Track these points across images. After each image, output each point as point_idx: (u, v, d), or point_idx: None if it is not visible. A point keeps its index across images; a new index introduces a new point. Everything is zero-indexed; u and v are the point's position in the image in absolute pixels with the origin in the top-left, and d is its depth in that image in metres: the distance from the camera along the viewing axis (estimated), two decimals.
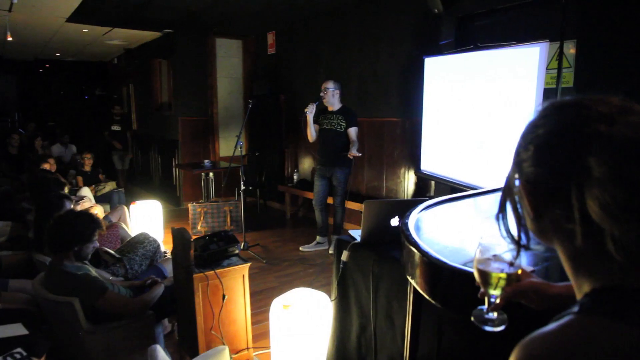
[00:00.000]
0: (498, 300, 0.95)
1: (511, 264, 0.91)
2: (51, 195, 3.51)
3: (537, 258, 1.50)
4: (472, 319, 0.97)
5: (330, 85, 4.76)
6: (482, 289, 0.95)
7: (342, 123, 4.72)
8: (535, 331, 0.62)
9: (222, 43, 7.70)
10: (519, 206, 0.73)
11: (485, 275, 0.90)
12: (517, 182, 0.71)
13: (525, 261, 1.44)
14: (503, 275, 0.92)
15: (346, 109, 4.82)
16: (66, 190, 4.68)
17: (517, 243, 0.75)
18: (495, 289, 0.92)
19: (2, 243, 3.59)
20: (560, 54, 3.15)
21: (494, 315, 0.95)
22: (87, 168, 6.82)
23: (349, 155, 4.51)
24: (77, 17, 6.08)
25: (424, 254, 1.48)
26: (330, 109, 4.79)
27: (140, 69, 9.13)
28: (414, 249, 1.53)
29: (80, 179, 6.65)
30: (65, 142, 9.04)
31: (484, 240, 0.95)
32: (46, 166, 5.71)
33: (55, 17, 6.15)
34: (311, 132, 4.77)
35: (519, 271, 0.94)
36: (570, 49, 3.37)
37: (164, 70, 8.24)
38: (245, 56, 7.93)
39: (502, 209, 0.76)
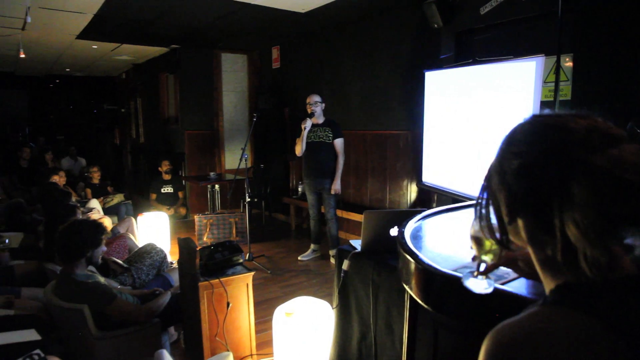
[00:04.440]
0: (488, 266, 0.97)
1: None
2: (60, 206, 3.61)
3: None
4: (462, 281, 1.00)
5: (318, 99, 4.87)
6: (475, 253, 0.97)
7: (329, 135, 4.82)
8: (503, 321, 0.68)
9: (228, 58, 7.84)
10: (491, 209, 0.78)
11: (479, 241, 0.93)
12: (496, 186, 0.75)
13: None
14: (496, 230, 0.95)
15: (331, 121, 4.92)
16: (73, 199, 4.78)
17: (499, 242, 0.78)
18: (487, 254, 0.95)
19: (14, 251, 3.67)
20: (557, 68, 3.22)
21: (482, 278, 0.98)
22: (96, 181, 6.94)
23: (331, 192, 4.82)
24: (86, 34, 6.25)
25: (418, 261, 1.55)
26: (315, 121, 4.88)
27: (147, 84, 9.30)
28: (408, 257, 1.60)
29: (89, 191, 6.78)
30: (74, 156, 9.19)
31: None
32: (56, 178, 5.82)
33: (66, 35, 6.31)
34: (302, 147, 4.85)
35: None
36: (567, 62, 3.44)
37: (171, 84, 8.38)
38: (250, 70, 8.05)
39: (483, 208, 0.79)
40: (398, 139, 5.27)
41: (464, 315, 1.45)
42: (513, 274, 1.46)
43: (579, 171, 0.64)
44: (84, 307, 2.35)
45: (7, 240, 3.50)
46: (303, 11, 5.14)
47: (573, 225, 0.64)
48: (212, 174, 6.36)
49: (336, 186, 4.82)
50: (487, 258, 0.95)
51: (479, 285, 0.99)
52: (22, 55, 6.41)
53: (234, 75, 7.96)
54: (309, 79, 6.77)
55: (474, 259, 0.98)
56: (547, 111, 0.76)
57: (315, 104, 4.83)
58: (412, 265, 1.56)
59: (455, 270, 1.44)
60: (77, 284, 2.50)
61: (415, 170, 5.01)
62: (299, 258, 5.19)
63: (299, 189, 6.76)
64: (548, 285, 0.73)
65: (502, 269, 1.47)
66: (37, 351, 1.98)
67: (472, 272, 1.00)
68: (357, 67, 5.83)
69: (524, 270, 1.02)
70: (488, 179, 0.78)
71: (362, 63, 5.72)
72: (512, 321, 0.68)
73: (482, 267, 0.98)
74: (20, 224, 4.67)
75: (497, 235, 0.78)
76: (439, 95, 4.10)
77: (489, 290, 0.98)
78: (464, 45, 4.31)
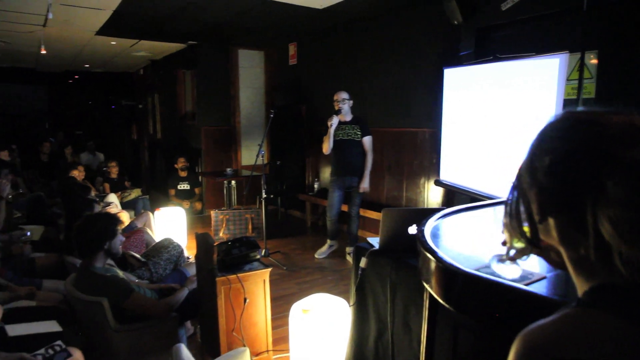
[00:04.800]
0: (517, 252, 0.96)
1: None
2: (80, 200, 3.66)
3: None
4: (489, 264, 0.97)
5: (346, 96, 4.83)
6: (506, 239, 0.96)
7: (358, 132, 4.79)
8: (534, 322, 0.67)
9: (245, 54, 7.85)
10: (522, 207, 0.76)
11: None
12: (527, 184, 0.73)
13: (539, 269, 1.47)
14: (527, 229, 0.93)
15: (359, 119, 4.89)
16: (92, 194, 4.85)
17: (529, 241, 0.77)
18: (518, 242, 0.93)
19: (35, 244, 3.73)
20: (581, 65, 3.16)
21: (509, 263, 0.96)
22: (114, 175, 7.02)
23: (359, 190, 4.81)
24: (106, 30, 6.31)
25: (438, 259, 1.53)
26: (342, 119, 4.85)
27: (165, 80, 9.37)
28: (429, 255, 1.58)
29: (107, 185, 6.86)
30: (93, 150, 9.31)
31: None
32: (75, 173, 5.91)
33: (85, 31, 6.38)
34: (330, 144, 4.82)
35: None
36: (591, 59, 3.37)
37: (188, 80, 8.43)
38: (267, 67, 8.06)
39: (512, 207, 0.77)
40: (415, 136, 5.23)
41: (486, 316, 1.42)
42: (537, 275, 1.44)
43: (614, 167, 0.62)
44: (103, 300, 2.38)
45: (28, 233, 3.56)
46: (321, 7, 5.12)
47: (607, 222, 0.62)
48: (228, 169, 6.39)
49: (365, 184, 4.81)
50: (518, 245, 0.94)
51: (507, 271, 0.96)
52: (43, 52, 6.50)
53: (250, 72, 7.97)
54: (326, 75, 6.75)
55: (503, 243, 0.97)
56: (580, 108, 0.74)
57: (343, 101, 4.79)
58: (433, 264, 1.54)
59: (477, 270, 1.42)
60: (96, 277, 2.53)
61: (432, 168, 4.97)
62: (316, 255, 5.18)
63: (315, 186, 6.77)
64: (581, 286, 0.71)
65: (526, 269, 1.45)
66: (59, 342, 2.01)
67: (500, 257, 0.97)
68: (374, 64, 5.79)
69: (555, 260, 1.00)
70: (518, 177, 0.76)
71: (380, 60, 5.69)
72: (544, 323, 0.66)
73: (512, 252, 0.96)
74: (41, 217, 4.75)
75: (527, 235, 0.77)
76: (458, 93, 4.05)
77: (516, 276, 0.95)
78: (484, 42, 4.26)
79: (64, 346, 2.01)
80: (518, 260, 0.97)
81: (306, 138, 7.20)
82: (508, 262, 0.97)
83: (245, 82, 7.92)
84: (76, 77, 12.79)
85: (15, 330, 2.25)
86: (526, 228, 0.77)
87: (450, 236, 1.94)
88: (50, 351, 1.96)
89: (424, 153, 5.14)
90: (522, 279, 1.36)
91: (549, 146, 0.71)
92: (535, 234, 0.75)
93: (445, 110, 4.22)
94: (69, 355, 2.01)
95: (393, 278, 2.29)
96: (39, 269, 3.34)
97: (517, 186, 0.77)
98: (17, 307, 2.51)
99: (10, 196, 4.45)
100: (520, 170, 0.76)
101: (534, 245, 0.77)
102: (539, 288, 1.33)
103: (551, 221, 0.71)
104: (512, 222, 0.79)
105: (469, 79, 3.94)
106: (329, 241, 5.22)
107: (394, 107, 5.51)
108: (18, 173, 6.62)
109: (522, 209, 0.77)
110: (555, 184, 0.68)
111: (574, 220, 0.66)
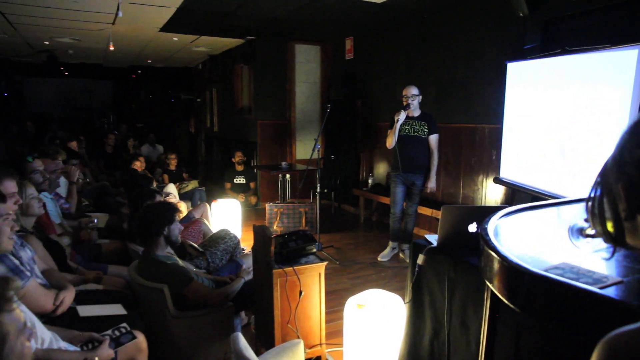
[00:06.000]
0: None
1: None
2: (143, 190, 3.81)
3: (628, 270, 1.45)
4: (569, 236, 0.93)
5: (416, 91, 4.68)
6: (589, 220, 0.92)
7: (425, 129, 4.68)
8: (617, 329, 0.63)
9: (301, 49, 7.91)
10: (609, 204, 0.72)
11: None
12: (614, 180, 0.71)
13: (615, 272, 1.39)
14: (611, 227, 0.89)
15: (427, 115, 4.76)
16: (154, 185, 5.06)
17: (614, 240, 0.74)
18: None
19: (100, 231, 3.93)
20: None
21: (588, 239, 0.91)
22: (172, 167, 7.28)
23: (427, 190, 4.73)
24: (169, 27, 6.54)
25: (504, 258, 1.47)
26: (410, 114, 4.74)
27: (222, 74, 9.59)
28: (493, 254, 1.53)
29: (166, 176, 7.12)
30: (153, 143, 9.69)
31: None
32: (137, 164, 6.17)
33: (150, 28, 6.64)
34: (394, 139, 4.71)
35: None
36: None
37: (245, 75, 8.59)
38: (323, 61, 8.09)
39: (595, 204, 0.75)
40: (474, 132, 5.09)
41: (555, 318, 1.36)
42: (613, 278, 1.36)
43: None
44: (164, 287, 2.47)
45: (95, 220, 3.75)
46: (379, 1, 5.07)
47: None
48: (283, 163, 6.46)
49: (432, 184, 4.72)
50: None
51: (586, 246, 0.91)
52: (112, 48, 6.83)
53: (306, 66, 8.03)
54: (382, 70, 6.69)
55: (586, 220, 0.92)
56: None
57: (412, 97, 4.67)
58: (498, 263, 1.48)
59: (546, 271, 1.36)
60: (158, 264, 2.63)
61: (491, 165, 4.82)
62: (379, 259, 5.01)
63: (369, 181, 6.72)
64: None
65: (600, 272, 1.38)
66: (124, 324, 2.10)
67: (581, 231, 0.92)
68: (433, 58, 5.68)
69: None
70: (603, 173, 0.73)
71: (439, 54, 5.57)
72: (629, 329, 0.62)
73: (593, 231, 0.91)
74: (106, 206, 5.00)
75: (612, 234, 0.73)
76: (522, 88, 3.90)
77: (593, 252, 0.90)
78: (551, 34, 4.07)
79: (129, 328, 2.10)
80: (598, 244, 0.91)
81: (361, 132, 7.17)
82: (589, 238, 0.91)
83: (301, 76, 7.99)
84: (139, 72, 13.34)
85: (84, 311, 2.38)
86: (610, 226, 0.73)
87: (513, 236, 1.87)
88: (117, 332, 2.06)
89: (483, 150, 4.99)
90: (595, 282, 1.29)
91: None
92: (621, 232, 0.71)
93: (508, 105, 4.07)
94: (134, 337, 2.11)
95: (451, 276, 2.24)
96: (104, 254, 3.52)
97: (602, 182, 0.73)
98: (86, 289, 2.65)
99: (80, 182, 4.72)
100: (606, 164, 0.73)
101: (620, 245, 0.73)
102: (616, 293, 1.25)
103: (638, 217, 0.67)
104: (595, 220, 0.75)
105: (534, 73, 3.78)
106: (390, 243, 5.06)
107: (453, 103, 5.39)
108: (86, 163, 6.99)
109: (606, 206, 0.73)
110: None
111: None
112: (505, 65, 4.07)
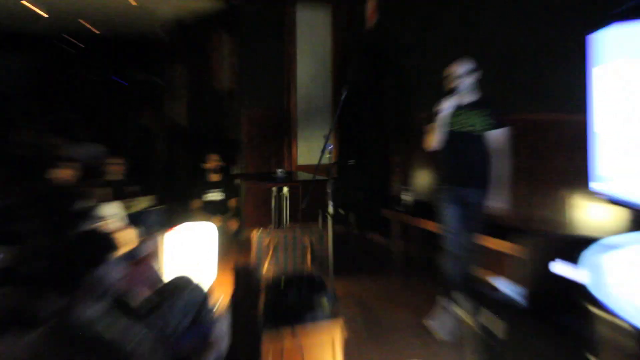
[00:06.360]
0: None
1: None
2: (65, 211, 3.74)
3: None
4: None
5: (466, 69, 4.52)
6: None
7: (484, 122, 4.47)
8: None
9: (304, 14, 7.98)
10: None
11: None
12: None
13: None
14: None
15: (486, 102, 4.57)
16: (87, 203, 4.98)
17: None
18: None
19: None
20: None
21: None
22: (116, 177, 7.19)
23: (488, 210, 4.52)
24: None
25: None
26: (459, 101, 4.59)
27: (194, 47, 9.66)
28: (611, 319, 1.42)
29: (106, 190, 7.04)
30: (88, 141, 9.64)
31: None
32: (62, 172, 6.08)
33: None
34: (438, 137, 4.61)
35: None
36: None
37: (226, 48, 8.63)
38: (335, 31, 8.15)
39: None
40: (549, 126, 5.05)
41: None
42: None
43: None
44: None
45: None
46: None
47: None
48: (279, 171, 6.41)
49: (501, 202, 4.49)
50: None
51: None
52: None
53: (312, 38, 8.11)
54: (420, 41, 6.73)
55: None
56: None
57: (460, 77, 4.51)
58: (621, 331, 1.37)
59: None
60: (79, 332, 2.51)
61: (578, 173, 4.70)
62: (428, 322, 4.68)
63: (406, 197, 6.57)
64: None
65: None
66: None
67: None
68: (490, 26, 5.70)
69: None
70: None
71: (501, 20, 5.58)
72: None
73: None
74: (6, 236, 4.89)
75: None
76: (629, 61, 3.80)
77: None
78: None
79: None
80: None
81: (391, 128, 7.13)
82: None
83: (305, 51, 8.06)
84: (72, 40, 13.38)
85: None
86: None
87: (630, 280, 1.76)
88: None
89: (569, 150, 4.89)
90: None
91: None
92: None
93: (597, 89, 3.98)
94: None
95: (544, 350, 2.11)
96: None
97: None
98: None
99: None
100: None
101: None
102: None
103: None
104: None
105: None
106: (443, 297, 4.69)
107: (522, 86, 5.36)
108: None
109: None
110: None
111: None
112: (602, 32, 3.98)
